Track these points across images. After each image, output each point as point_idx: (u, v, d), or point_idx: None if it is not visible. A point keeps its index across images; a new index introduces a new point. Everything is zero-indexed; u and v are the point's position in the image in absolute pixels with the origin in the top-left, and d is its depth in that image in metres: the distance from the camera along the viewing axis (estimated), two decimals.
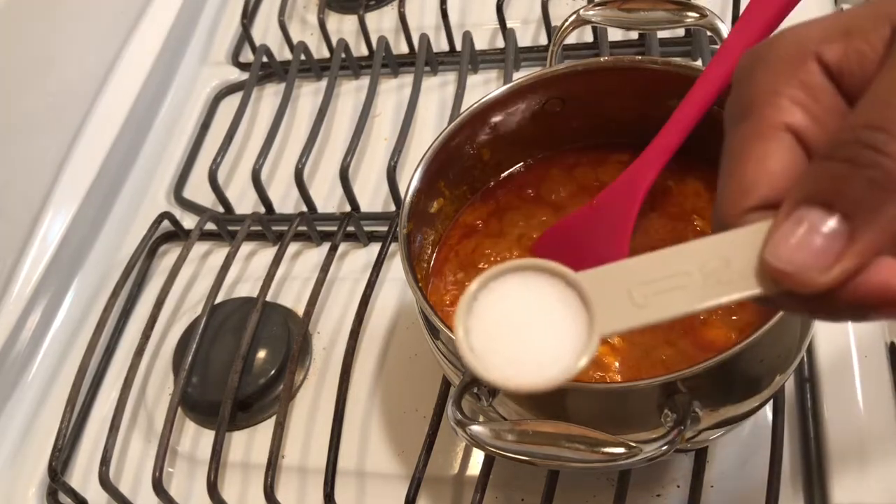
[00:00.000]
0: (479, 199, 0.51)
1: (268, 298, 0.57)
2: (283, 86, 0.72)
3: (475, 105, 0.47)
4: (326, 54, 0.73)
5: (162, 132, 0.74)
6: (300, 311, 0.57)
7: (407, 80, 0.70)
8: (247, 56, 0.78)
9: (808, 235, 0.22)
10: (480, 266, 0.48)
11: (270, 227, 0.63)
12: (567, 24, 0.49)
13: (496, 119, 0.48)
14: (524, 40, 0.71)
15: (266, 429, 0.54)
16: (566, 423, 0.35)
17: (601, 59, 0.56)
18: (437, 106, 0.69)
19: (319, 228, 0.63)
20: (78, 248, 0.66)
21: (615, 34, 0.68)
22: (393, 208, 0.62)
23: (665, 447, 0.33)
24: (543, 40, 0.70)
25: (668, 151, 0.43)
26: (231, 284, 0.62)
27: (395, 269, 0.59)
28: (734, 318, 0.42)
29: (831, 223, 0.22)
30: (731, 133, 0.25)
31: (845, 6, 0.67)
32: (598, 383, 0.41)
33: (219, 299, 0.58)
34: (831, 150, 0.23)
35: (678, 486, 0.46)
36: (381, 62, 0.70)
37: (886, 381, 0.47)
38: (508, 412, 0.40)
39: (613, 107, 0.49)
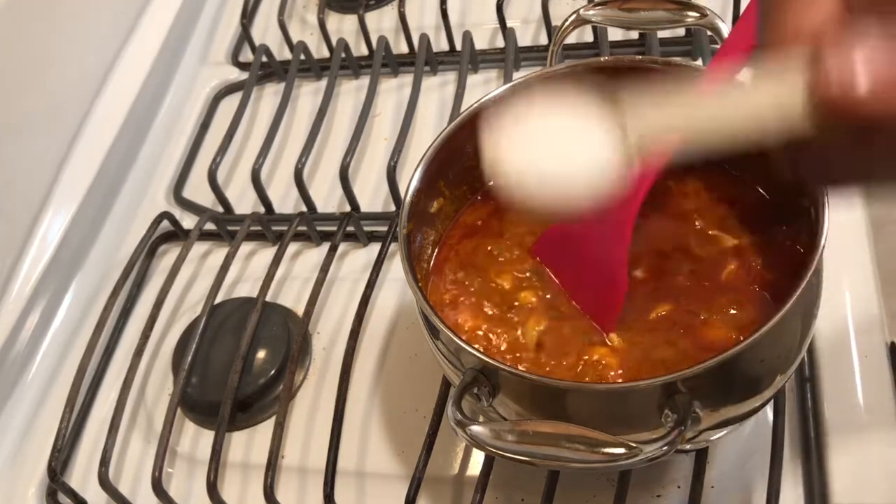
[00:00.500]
0: (479, 198, 0.51)
1: (267, 298, 0.57)
2: (282, 85, 0.72)
3: (475, 105, 0.47)
4: (326, 54, 0.73)
5: (161, 132, 0.74)
6: (300, 311, 0.57)
7: (407, 79, 0.70)
8: (246, 56, 0.78)
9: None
10: (481, 266, 0.48)
11: (270, 227, 0.63)
12: (567, 23, 0.49)
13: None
14: (524, 40, 0.71)
15: (266, 429, 0.54)
16: (566, 423, 0.35)
17: (601, 58, 0.57)
18: (437, 106, 0.69)
19: (319, 228, 0.63)
20: (77, 247, 0.66)
21: (615, 34, 0.68)
22: (393, 208, 0.62)
23: (665, 447, 0.33)
24: (543, 40, 0.70)
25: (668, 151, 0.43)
26: (231, 284, 0.62)
27: (395, 269, 0.59)
28: (735, 317, 0.42)
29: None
30: None
31: None
32: (598, 383, 0.41)
33: (218, 299, 0.58)
34: None
35: (678, 487, 0.46)
36: (381, 62, 0.70)
37: (887, 382, 0.47)
38: (508, 412, 0.40)
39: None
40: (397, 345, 0.56)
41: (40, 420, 0.59)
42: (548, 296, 0.46)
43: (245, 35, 0.77)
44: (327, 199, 0.65)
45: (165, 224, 0.66)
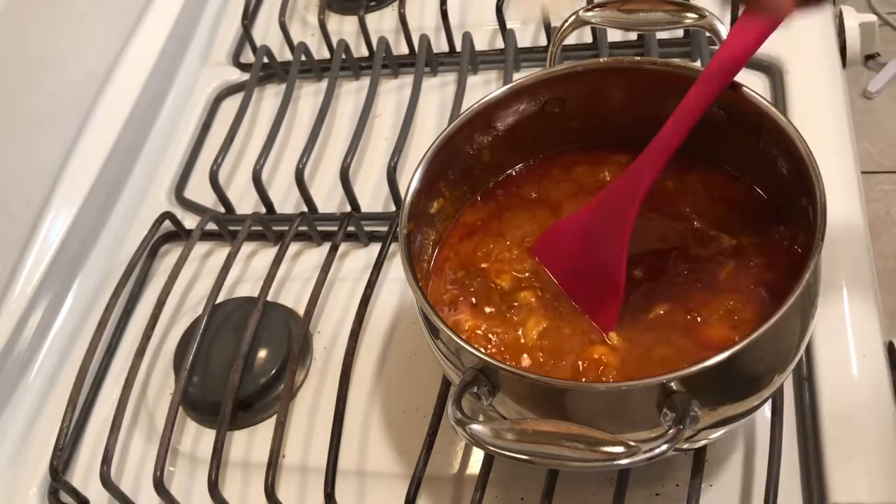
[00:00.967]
0: (479, 199, 0.51)
1: (268, 298, 0.57)
2: (283, 86, 0.72)
3: (475, 105, 0.47)
4: (327, 55, 0.73)
5: (163, 133, 0.74)
6: (301, 310, 0.57)
7: (407, 80, 0.70)
8: (247, 57, 0.78)
9: None
10: (481, 266, 0.48)
11: (271, 227, 0.64)
12: (566, 25, 0.50)
13: (496, 119, 0.49)
14: (524, 41, 0.71)
15: (267, 428, 0.54)
16: (566, 422, 0.35)
17: (601, 59, 0.57)
18: (437, 106, 0.69)
19: (320, 228, 0.63)
20: (79, 248, 0.66)
21: (614, 35, 0.68)
22: (393, 208, 0.62)
23: (664, 446, 0.34)
24: (543, 41, 0.70)
25: (667, 152, 0.43)
26: (232, 284, 0.62)
27: (396, 269, 0.59)
28: (733, 317, 0.43)
29: None
30: None
31: (844, 7, 0.67)
32: (598, 383, 0.41)
33: (220, 299, 0.58)
34: None
35: (677, 486, 0.46)
36: (381, 63, 0.70)
37: (885, 381, 0.47)
38: (508, 411, 0.40)
39: (613, 107, 0.49)
40: (397, 344, 0.56)
41: (42, 419, 0.59)
42: (547, 296, 0.46)
43: (246, 36, 0.77)
44: (328, 199, 0.66)
45: (167, 224, 0.66)
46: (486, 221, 0.50)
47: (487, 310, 0.46)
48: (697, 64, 0.65)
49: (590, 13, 0.49)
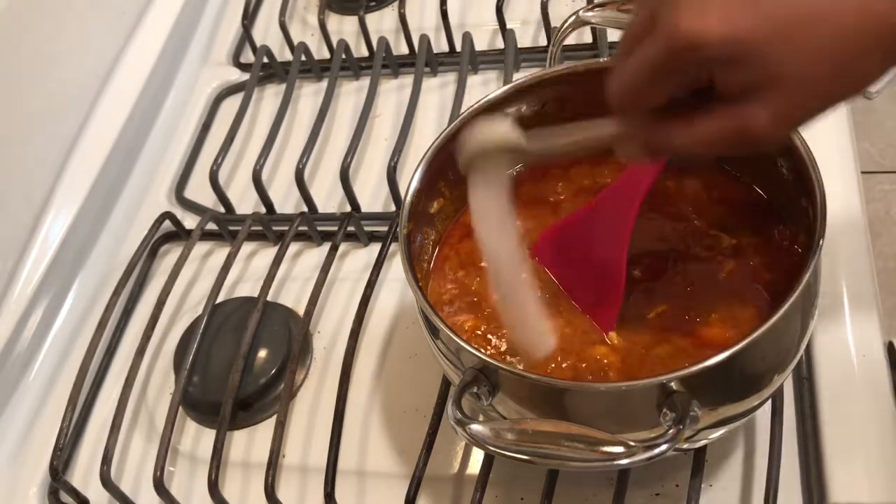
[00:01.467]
0: None
1: (268, 298, 0.57)
2: (283, 86, 0.72)
3: (475, 105, 0.47)
4: (327, 55, 0.73)
5: (163, 133, 0.74)
6: (301, 310, 0.57)
7: (407, 80, 0.70)
8: (247, 57, 0.78)
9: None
10: (481, 266, 0.48)
11: (271, 227, 0.64)
12: (566, 25, 0.50)
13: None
14: (524, 41, 0.71)
15: (267, 428, 0.54)
16: (566, 422, 0.35)
17: (601, 59, 0.57)
18: (437, 106, 0.69)
19: (320, 228, 0.63)
20: (79, 248, 0.66)
21: (614, 35, 0.68)
22: (393, 208, 0.62)
23: (664, 446, 0.34)
24: (543, 41, 0.70)
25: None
26: (232, 284, 0.62)
27: (396, 269, 0.59)
28: (733, 317, 0.43)
29: None
30: None
31: None
32: (597, 383, 0.41)
33: (220, 299, 0.58)
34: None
35: (677, 486, 0.46)
36: (381, 63, 0.70)
37: (884, 381, 0.47)
38: (508, 411, 0.40)
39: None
40: (397, 345, 0.56)
41: (42, 419, 0.59)
42: (547, 295, 0.46)
43: (246, 36, 0.77)
44: (328, 199, 0.66)
45: (167, 224, 0.66)
46: None
47: (487, 310, 0.46)
48: None
49: (590, 13, 0.49)
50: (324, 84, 0.71)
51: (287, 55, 0.76)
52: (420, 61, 0.69)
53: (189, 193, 0.69)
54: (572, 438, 0.34)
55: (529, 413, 0.39)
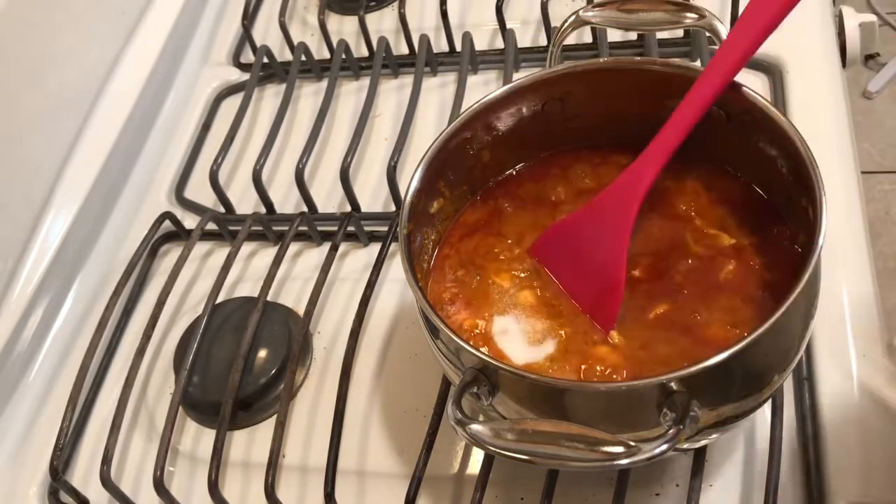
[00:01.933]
0: (479, 199, 0.51)
1: (269, 298, 0.57)
2: (283, 86, 0.72)
3: (475, 105, 0.47)
4: (327, 55, 0.73)
5: (163, 132, 0.74)
6: (301, 310, 0.57)
7: (407, 80, 0.70)
8: (247, 57, 0.78)
9: None
10: (481, 266, 0.48)
11: (271, 227, 0.64)
12: (566, 24, 0.50)
13: (496, 120, 0.48)
14: (524, 41, 0.71)
15: (267, 428, 0.54)
16: (566, 422, 0.35)
17: (601, 59, 0.57)
18: (437, 106, 0.69)
19: (320, 228, 0.63)
20: (79, 248, 0.66)
21: (614, 35, 0.68)
22: (393, 208, 0.62)
23: (664, 446, 0.34)
24: (543, 41, 0.70)
25: (667, 152, 0.43)
26: (232, 284, 0.62)
27: (396, 269, 0.59)
28: (733, 317, 0.43)
29: None
30: None
31: (844, 7, 0.67)
32: (597, 383, 0.41)
33: (220, 299, 0.58)
34: None
35: (677, 486, 0.47)
36: (381, 63, 0.70)
37: (885, 381, 0.47)
38: (508, 411, 0.40)
39: (613, 107, 0.49)
40: (397, 344, 0.56)
41: (42, 419, 0.59)
42: (547, 295, 0.46)
43: (246, 36, 0.77)
44: (328, 199, 0.66)
45: (167, 224, 0.66)
46: (486, 221, 0.50)
47: (487, 310, 0.46)
48: (697, 64, 0.65)
49: (590, 13, 0.49)
50: (324, 84, 0.71)
51: (287, 55, 0.76)
52: (420, 61, 0.69)
53: (189, 193, 0.69)
54: (572, 438, 0.34)
55: (529, 413, 0.39)
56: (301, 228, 0.61)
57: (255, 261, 0.64)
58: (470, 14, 0.75)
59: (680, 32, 0.67)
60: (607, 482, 0.47)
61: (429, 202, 0.48)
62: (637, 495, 0.46)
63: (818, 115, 0.59)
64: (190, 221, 0.67)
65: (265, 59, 0.74)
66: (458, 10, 0.75)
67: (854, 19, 0.67)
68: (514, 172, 0.52)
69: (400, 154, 0.61)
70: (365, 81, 0.71)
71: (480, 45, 0.71)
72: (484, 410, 0.42)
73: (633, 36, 0.68)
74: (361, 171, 0.66)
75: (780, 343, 0.39)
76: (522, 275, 0.47)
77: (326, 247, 0.61)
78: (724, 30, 0.46)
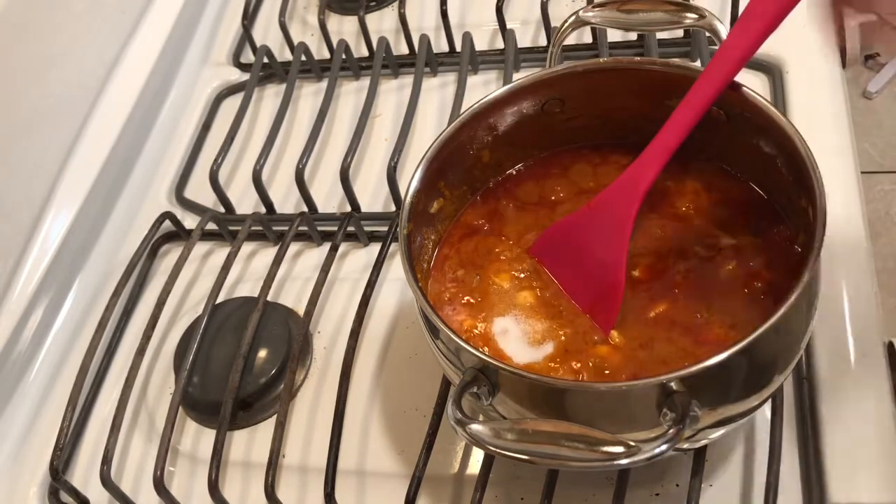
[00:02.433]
0: (479, 199, 0.51)
1: (269, 298, 0.57)
2: (283, 86, 0.72)
3: (475, 105, 0.47)
4: (327, 55, 0.73)
5: (163, 133, 0.74)
6: (301, 310, 0.57)
7: (407, 80, 0.70)
8: (248, 57, 0.78)
9: None
10: (481, 266, 0.48)
11: (271, 227, 0.64)
12: (566, 25, 0.50)
13: (496, 119, 0.49)
14: (524, 41, 0.71)
15: (267, 428, 0.54)
16: (566, 421, 0.35)
17: (601, 59, 0.57)
18: (437, 106, 0.69)
19: (320, 228, 0.63)
20: (79, 248, 0.66)
21: (614, 35, 0.68)
22: (393, 208, 0.62)
23: (664, 446, 0.34)
24: (543, 41, 0.70)
25: (667, 152, 0.43)
26: (232, 284, 0.62)
27: (396, 269, 0.59)
28: (733, 317, 0.43)
29: None
30: None
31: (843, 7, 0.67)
32: (597, 382, 0.41)
33: (220, 299, 0.58)
34: None
35: (677, 485, 0.47)
36: (381, 63, 0.70)
37: (884, 381, 0.47)
38: (508, 411, 0.40)
39: (613, 107, 0.49)
40: (397, 344, 0.56)
41: (42, 419, 0.59)
42: (547, 295, 0.46)
43: (246, 36, 0.77)
44: (328, 199, 0.66)
45: (167, 224, 0.66)
46: (486, 221, 0.50)
47: (487, 310, 0.46)
48: (697, 64, 0.65)
49: (590, 13, 0.49)
50: (324, 84, 0.71)
51: (287, 55, 0.76)
52: (420, 61, 0.69)
53: (189, 193, 0.69)
54: (572, 438, 0.34)
55: (529, 413, 0.39)
56: (301, 228, 0.61)
57: (255, 261, 0.64)
58: (470, 14, 0.75)
59: (680, 32, 0.67)
60: (607, 482, 0.47)
61: (429, 202, 0.48)
62: (637, 495, 0.46)
63: (818, 115, 0.59)
64: (190, 221, 0.67)
65: (265, 59, 0.74)
66: (458, 10, 0.75)
67: (854, 19, 0.67)
68: (514, 172, 0.52)
69: (400, 154, 0.61)
70: (365, 81, 0.71)
71: (480, 45, 0.71)
72: (484, 410, 0.42)
73: (633, 36, 0.68)
74: (361, 172, 0.66)
75: (780, 343, 0.39)
76: (522, 275, 0.47)
77: (326, 247, 0.61)
78: (724, 30, 0.46)
